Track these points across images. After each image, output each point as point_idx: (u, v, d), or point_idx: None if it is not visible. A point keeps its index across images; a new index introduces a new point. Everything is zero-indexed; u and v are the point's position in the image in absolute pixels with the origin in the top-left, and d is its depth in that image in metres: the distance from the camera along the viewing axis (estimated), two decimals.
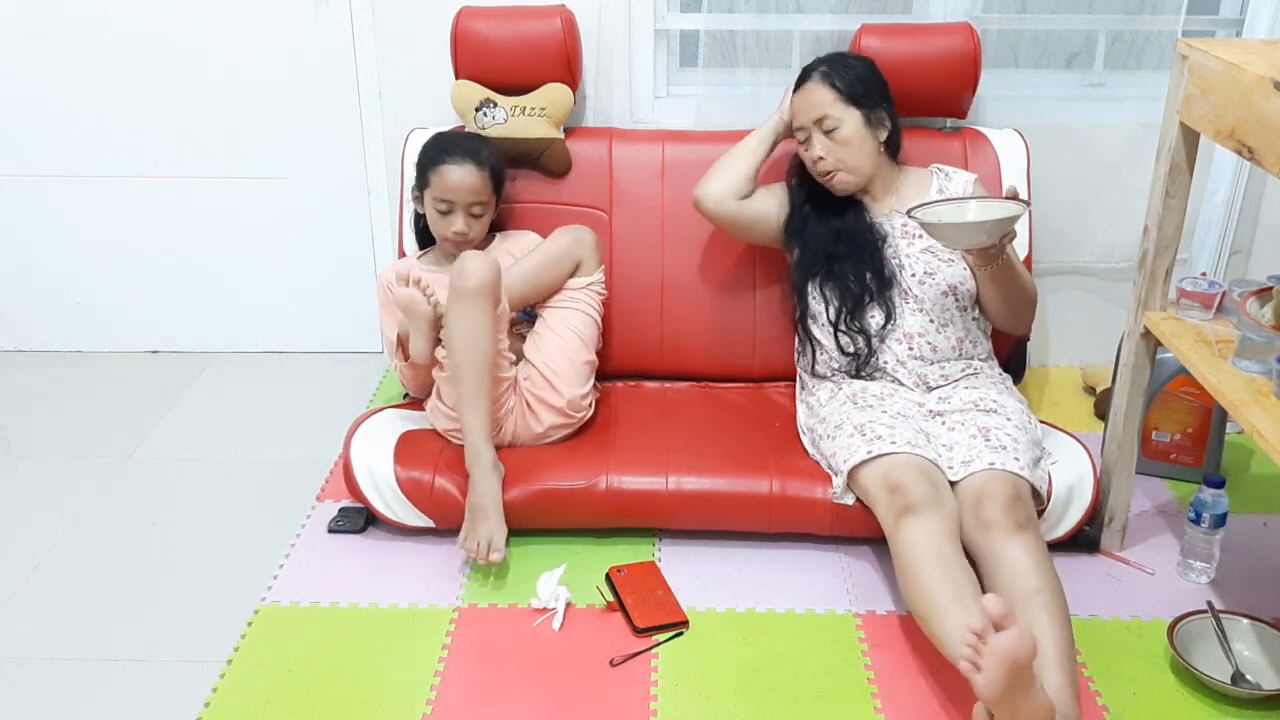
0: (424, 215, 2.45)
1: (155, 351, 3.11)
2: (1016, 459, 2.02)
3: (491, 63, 2.55)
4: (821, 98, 2.25)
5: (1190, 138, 1.92)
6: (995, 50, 2.69)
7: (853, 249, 2.29)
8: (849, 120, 2.25)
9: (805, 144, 2.29)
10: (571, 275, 2.39)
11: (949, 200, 2.15)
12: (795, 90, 2.31)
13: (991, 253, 2.10)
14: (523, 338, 2.38)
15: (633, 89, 2.75)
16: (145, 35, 2.79)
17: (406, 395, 2.49)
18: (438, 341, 2.24)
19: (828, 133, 2.25)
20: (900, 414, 2.15)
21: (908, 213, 2.11)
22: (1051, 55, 2.77)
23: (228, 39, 2.79)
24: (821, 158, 2.26)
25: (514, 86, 2.57)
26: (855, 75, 2.27)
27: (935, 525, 1.88)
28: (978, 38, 2.50)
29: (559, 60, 2.54)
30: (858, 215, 2.32)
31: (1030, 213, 2.53)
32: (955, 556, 1.85)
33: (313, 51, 2.79)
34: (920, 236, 2.28)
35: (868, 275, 2.27)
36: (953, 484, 2.02)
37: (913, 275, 2.26)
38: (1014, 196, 2.11)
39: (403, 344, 2.33)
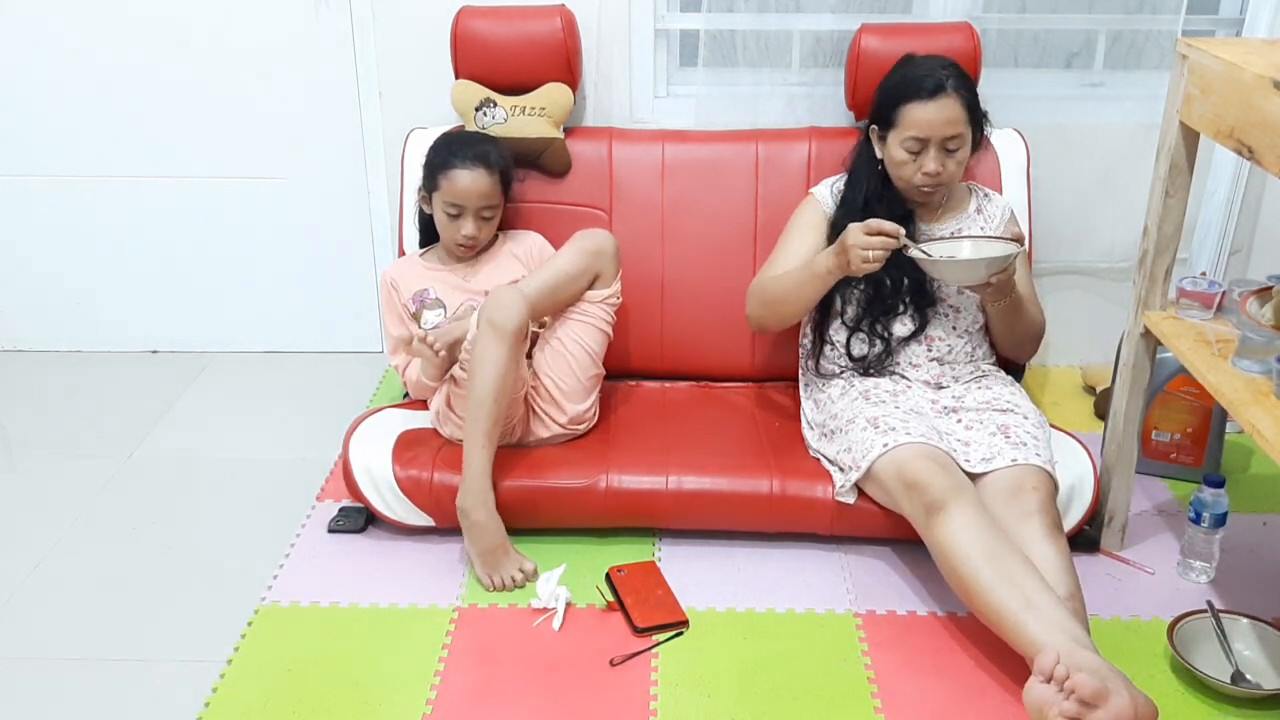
0: (428, 214, 2.44)
1: (154, 351, 3.11)
2: (1039, 454, 2.04)
3: (491, 63, 2.55)
4: (957, 114, 2.13)
5: (1190, 138, 1.92)
6: (995, 50, 2.69)
7: (895, 258, 2.14)
8: (968, 140, 2.17)
9: (917, 155, 2.15)
10: (589, 288, 2.33)
11: (947, 239, 2.17)
12: (919, 100, 2.13)
13: (995, 290, 2.11)
14: (531, 342, 2.36)
15: (633, 89, 2.75)
16: (144, 35, 2.79)
17: (406, 395, 2.49)
18: (447, 369, 2.26)
19: (951, 150, 2.16)
20: (914, 410, 2.15)
21: (903, 249, 2.05)
22: (1051, 55, 2.77)
23: (228, 39, 2.79)
24: (939, 173, 2.15)
25: (514, 86, 2.56)
26: (975, 92, 2.18)
27: (969, 519, 1.87)
28: (977, 37, 2.50)
29: (559, 60, 2.54)
30: (908, 227, 2.21)
31: (1030, 212, 2.53)
32: (1004, 549, 1.83)
33: (313, 51, 2.79)
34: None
35: (905, 282, 2.22)
36: (971, 477, 2.01)
37: (955, 288, 2.23)
38: (1016, 238, 2.14)
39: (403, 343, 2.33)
